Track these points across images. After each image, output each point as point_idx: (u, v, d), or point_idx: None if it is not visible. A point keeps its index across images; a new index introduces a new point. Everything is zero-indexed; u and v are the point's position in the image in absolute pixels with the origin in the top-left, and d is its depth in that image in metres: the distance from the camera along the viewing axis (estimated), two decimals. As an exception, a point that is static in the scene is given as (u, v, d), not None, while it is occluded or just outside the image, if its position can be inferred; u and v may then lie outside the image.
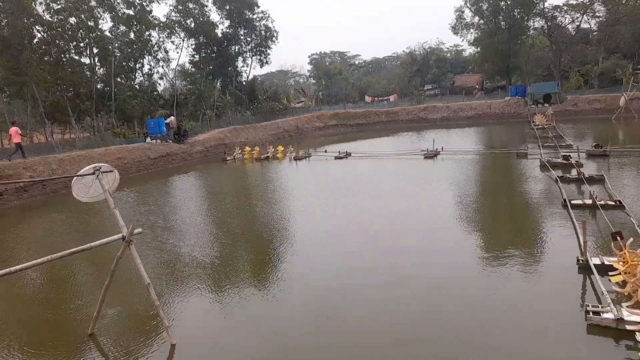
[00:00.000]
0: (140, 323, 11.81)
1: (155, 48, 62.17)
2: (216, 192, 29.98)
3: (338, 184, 29.11)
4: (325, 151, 43.05)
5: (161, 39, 62.66)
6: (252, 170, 38.91)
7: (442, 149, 36.83)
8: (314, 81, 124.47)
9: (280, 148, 44.13)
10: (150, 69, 65.09)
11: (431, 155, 35.87)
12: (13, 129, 32.74)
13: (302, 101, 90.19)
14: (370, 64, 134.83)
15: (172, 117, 51.03)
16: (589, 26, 76.77)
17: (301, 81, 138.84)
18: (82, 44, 52.19)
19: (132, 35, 57.82)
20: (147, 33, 59.30)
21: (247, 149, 45.72)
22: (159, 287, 13.52)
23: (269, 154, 43.43)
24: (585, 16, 71.13)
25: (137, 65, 62.08)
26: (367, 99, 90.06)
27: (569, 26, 74.65)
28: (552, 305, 11.02)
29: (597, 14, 71.61)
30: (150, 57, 62.49)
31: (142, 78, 64.83)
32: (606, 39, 70.36)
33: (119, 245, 10.41)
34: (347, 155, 39.98)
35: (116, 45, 57.23)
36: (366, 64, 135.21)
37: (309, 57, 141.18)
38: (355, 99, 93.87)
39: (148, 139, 46.55)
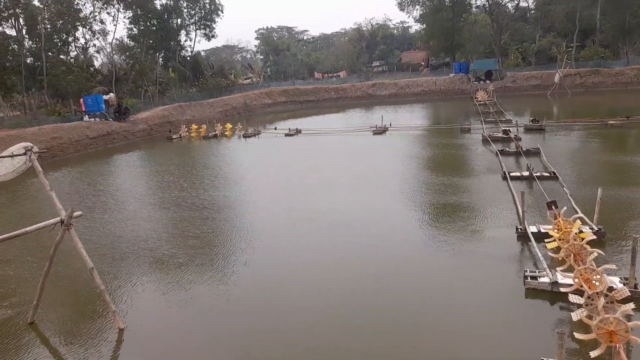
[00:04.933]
0: (85, 309, 11.33)
1: (90, 19, 58.24)
2: (163, 172, 28.97)
3: (290, 162, 28.97)
4: (275, 128, 42.59)
5: (96, 10, 58.80)
6: (200, 148, 37.86)
7: (391, 125, 37.45)
8: (261, 57, 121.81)
9: (229, 126, 43.15)
10: (85, 42, 61.08)
11: (380, 131, 36.40)
12: None
13: (249, 77, 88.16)
14: (318, 39, 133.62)
15: (112, 94, 48.39)
16: (527, 5, 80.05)
17: (248, 57, 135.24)
18: (5, 14, 47.82)
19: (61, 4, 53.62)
20: (77, 2, 55.41)
21: (194, 127, 44.33)
22: (103, 271, 12.97)
23: (217, 132, 42.38)
24: (523, -5, 73.99)
25: (71, 39, 58.00)
26: (317, 75, 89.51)
27: (509, 4, 77.50)
28: (494, 271, 11.65)
29: (535, -7, 74.66)
30: (84, 29, 58.56)
31: (76, 52, 60.71)
32: (543, 18, 73.62)
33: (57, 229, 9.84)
34: (298, 132, 39.76)
35: (45, 15, 52.97)
36: (314, 39, 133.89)
37: (256, 32, 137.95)
38: (304, 75, 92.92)
39: (86, 117, 43.97)
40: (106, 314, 10.54)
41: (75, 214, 9.93)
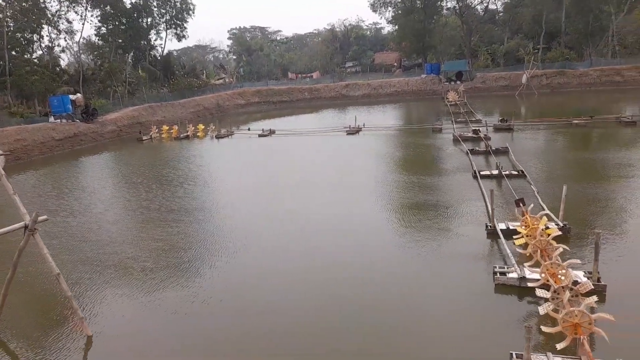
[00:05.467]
0: (50, 316, 10.97)
1: (56, 18, 56.47)
2: (131, 174, 28.33)
3: (264, 163, 28.78)
4: (249, 129, 42.27)
5: (62, 9, 57.02)
6: (171, 149, 37.20)
7: (364, 125, 37.70)
8: (234, 57, 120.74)
9: (201, 126, 42.56)
10: (51, 42, 59.14)
11: (353, 131, 36.60)
12: None
13: (222, 78, 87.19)
14: (291, 40, 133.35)
15: (79, 95, 47.02)
16: (496, 7, 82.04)
17: (221, 57, 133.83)
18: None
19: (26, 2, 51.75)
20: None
21: (165, 127, 43.55)
22: (67, 276, 12.56)
23: (189, 133, 41.74)
24: (492, -3, 75.73)
25: (35, 37, 56.04)
26: (290, 75, 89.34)
27: (478, 7, 79.36)
28: (465, 268, 11.87)
29: (503, -5, 76.52)
30: (50, 27, 56.69)
31: (41, 51, 58.77)
32: (511, 20, 75.57)
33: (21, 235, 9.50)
34: (271, 132, 39.56)
35: (8, 13, 51.05)
36: (288, 40, 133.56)
37: (228, 32, 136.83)
38: (277, 75, 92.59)
39: (51, 119, 42.59)
40: (72, 321, 10.23)
41: (40, 218, 9.59)
